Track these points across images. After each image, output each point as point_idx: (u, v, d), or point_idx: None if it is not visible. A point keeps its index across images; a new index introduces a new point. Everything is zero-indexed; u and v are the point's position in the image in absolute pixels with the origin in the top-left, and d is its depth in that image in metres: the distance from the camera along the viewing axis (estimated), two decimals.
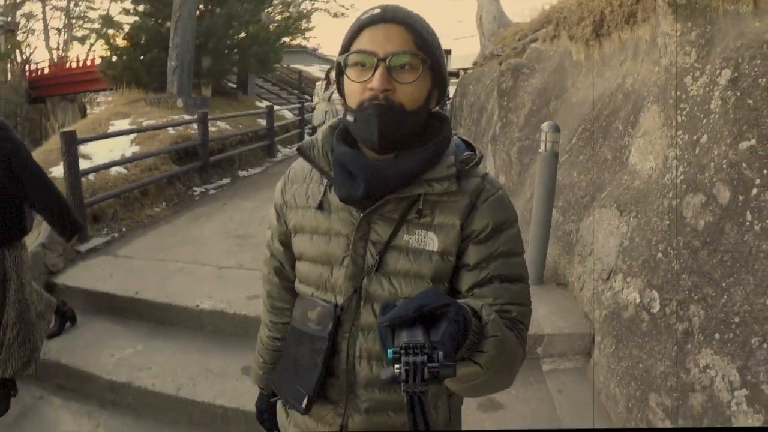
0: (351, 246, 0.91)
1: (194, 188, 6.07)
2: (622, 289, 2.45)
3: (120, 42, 9.00)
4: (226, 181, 6.75)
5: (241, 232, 4.50)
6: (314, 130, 10.07)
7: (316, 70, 21.69)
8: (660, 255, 2.22)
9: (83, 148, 4.84)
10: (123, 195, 4.87)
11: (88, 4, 23.64)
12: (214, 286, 3.35)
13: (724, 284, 1.82)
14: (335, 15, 20.80)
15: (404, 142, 0.88)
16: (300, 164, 1.01)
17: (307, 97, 13.78)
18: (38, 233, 3.73)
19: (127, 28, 9.36)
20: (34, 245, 3.57)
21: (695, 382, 1.82)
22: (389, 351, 0.59)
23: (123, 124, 6.39)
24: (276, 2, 11.99)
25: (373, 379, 0.92)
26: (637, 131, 2.84)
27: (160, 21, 8.90)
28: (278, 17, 12.06)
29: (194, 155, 6.37)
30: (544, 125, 3.14)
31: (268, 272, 1.10)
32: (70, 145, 3.99)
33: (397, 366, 0.57)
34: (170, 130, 6.39)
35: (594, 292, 2.73)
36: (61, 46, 22.36)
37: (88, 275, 3.64)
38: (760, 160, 1.82)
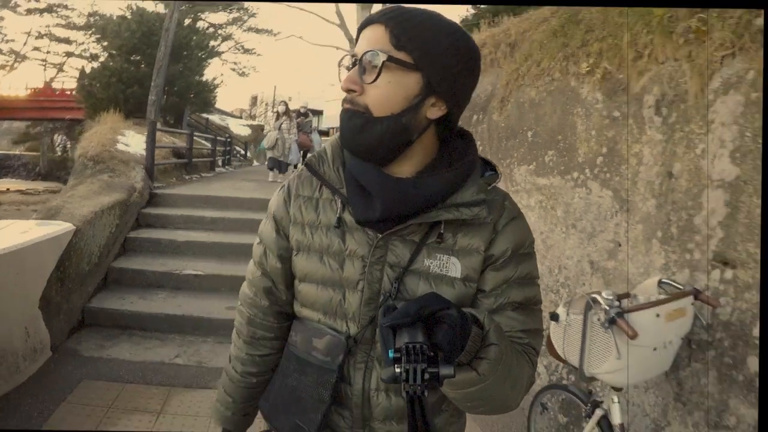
0: (367, 269, 0.85)
1: (185, 176, 8.96)
2: None
3: (100, 76, 11.51)
4: (197, 176, 9.65)
5: (231, 188, 7.69)
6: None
7: (216, 119, 24.84)
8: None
9: (124, 139, 7.73)
10: (159, 167, 7.80)
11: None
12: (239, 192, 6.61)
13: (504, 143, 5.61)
14: (241, 74, 23.80)
15: (387, 153, 0.81)
16: (306, 174, 0.93)
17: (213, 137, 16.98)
18: (136, 171, 6.60)
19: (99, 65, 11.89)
20: (141, 177, 6.44)
21: None
22: (390, 351, 0.60)
23: (132, 132, 9.14)
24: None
25: (391, 411, 0.88)
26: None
27: (138, 64, 11.76)
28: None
29: (181, 156, 9.28)
30: None
31: (253, 295, 0.98)
32: (153, 128, 6.97)
33: (397, 366, 0.58)
34: (164, 138, 9.29)
35: None
36: None
37: (178, 190, 6.62)
38: (498, 125, 5.68)
